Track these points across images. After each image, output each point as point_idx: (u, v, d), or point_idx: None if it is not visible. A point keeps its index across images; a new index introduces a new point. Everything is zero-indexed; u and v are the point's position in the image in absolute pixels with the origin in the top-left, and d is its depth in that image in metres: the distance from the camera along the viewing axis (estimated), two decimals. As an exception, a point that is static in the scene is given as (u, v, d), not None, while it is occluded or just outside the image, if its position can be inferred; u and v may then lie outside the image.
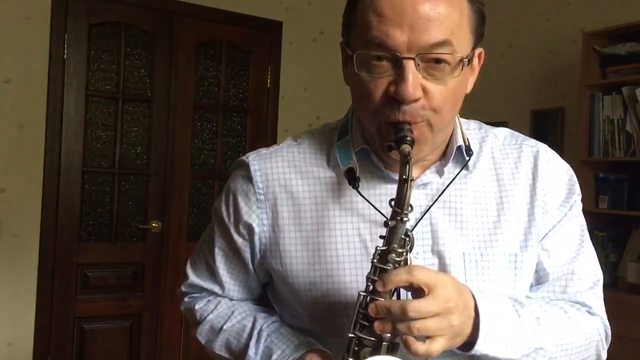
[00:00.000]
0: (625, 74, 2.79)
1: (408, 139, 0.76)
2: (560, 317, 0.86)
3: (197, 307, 0.99)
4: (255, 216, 0.90)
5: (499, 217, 0.88)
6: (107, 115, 3.16)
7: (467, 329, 0.74)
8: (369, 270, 0.74)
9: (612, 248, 2.80)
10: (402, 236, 0.74)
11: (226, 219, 0.93)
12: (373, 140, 0.85)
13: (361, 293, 0.73)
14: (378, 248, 0.74)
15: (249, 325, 0.93)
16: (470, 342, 0.75)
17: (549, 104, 3.40)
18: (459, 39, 0.77)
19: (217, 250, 0.95)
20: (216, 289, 0.99)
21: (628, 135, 2.75)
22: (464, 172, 0.89)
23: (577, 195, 0.92)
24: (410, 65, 0.75)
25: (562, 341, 0.84)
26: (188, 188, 3.35)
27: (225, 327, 0.94)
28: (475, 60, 0.84)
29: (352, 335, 0.73)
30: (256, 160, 0.92)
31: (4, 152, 2.88)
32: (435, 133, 0.82)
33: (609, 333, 0.93)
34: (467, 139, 0.90)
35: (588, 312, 0.90)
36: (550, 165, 0.91)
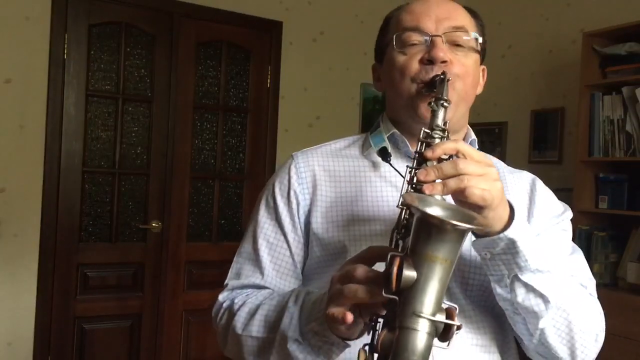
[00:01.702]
0: (625, 74, 2.79)
1: (444, 74, 0.90)
2: (567, 275, 0.90)
3: (236, 300, 0.97)
4: (299, 191, 1.00)
5: None
6: (107, 115, 3.17)
7: (507, 208, 0.78)
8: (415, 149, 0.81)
9: (612, 248, 2.80)
10: (443, 120, 0.81)
11: (271, 200, 1.02)
12: (408, 107, 0.96)
13: (408, 166, 0.79)
14: (423, 130, 0.81)
15: (288, 294, 0.91)
16: (504, 226, 0.78)
17: (549, 104, 3.40)
18: (471, 32, 0.98)
19: (260, 241, 1.01)
20: (257, 278, 0.99)
21: (628, 135, 2.75)
22: None
23: (570, 214, 1.02)
24: (439, 40, 0.95)
25: (572, 292, 0.87)
26: (188, 188, 3.35)
27: (264, 302, 0.93)
28: (480, 73, 1.04)
29: (402, 207, 0.76)
30: (299, 152, 1.06)
31: (4, 152, 2.88)
32: (460, 101, 0.96)
33: (604, 324, 0.93)
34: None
35: (589, 293, 0.94)
36: (546, 189, 1.05)
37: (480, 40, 0.99)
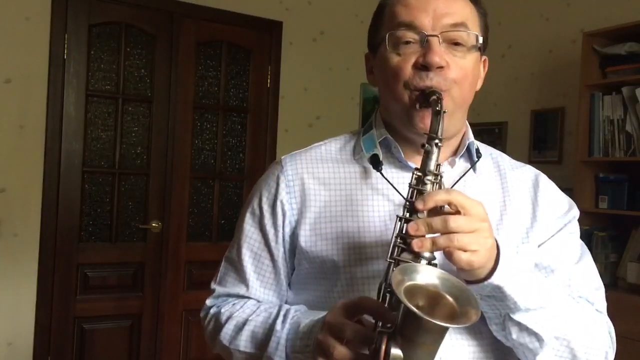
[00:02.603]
0: (625, 74, 2.79)
1: (437, 93, 0.85)
2: (566, 299, 0.88)
3: (223, 309, 0.98)
4: (285, 200, 0.96)
5: (501, 217, 0.93)
6: (107, 115, 3.16)
7: (493, 257, 0.77)
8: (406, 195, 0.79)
9: (612, 248, 2.80)
10: (436, 163, 0.79)
11: (257, 209, 0.99)
12: (402, 115, 0.91)
13: (399, 216, 0.76)
14: (415, 172, 0.78)
15: (275, 311, 0.92)
16: (489, 273, 0.78)
17: (549, 104, 3.40)
18: (472, 27, 0.91)
19: (244, 251, 0.99)
20: (242, 289, 0.99)
21: (628, 135, 2.75)
22: (472, 174, 0.95)
23: (576, 212, 0.99)
24: (434, 41, 0.87)
25: (573, 318, 0.86)
26: (188, 188, 3.35)
27: (251, 317, 0.93)
28: (481, 65, 0.97)
29: (391, 261, 0.74)
30: (288, 157, 1.01)
31: (4, 152, 2.88)
32: (456, 108, 0.90)
33: (614, 337, 0.93)
34: (477, 144, 1.00)
35: (595, 309, 0.93)
36: (550, 184, 1.01)
37: (481, 39, 0.92)
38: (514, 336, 0.83)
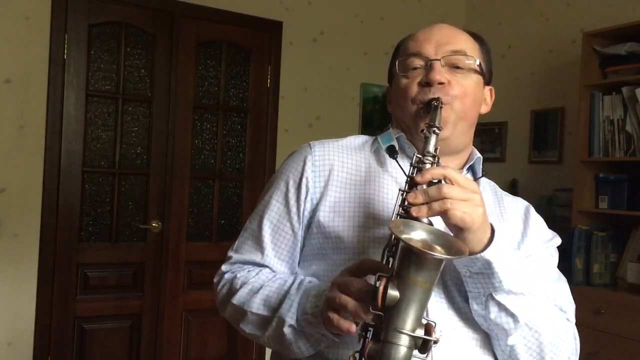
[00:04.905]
0: (625, 74, 2.80)
1: (437, 100, 0.97)
2: (544, 298, 0.97)
3: (238, 275, 1.05)
4: (311, 178, 1.05)
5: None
6: (107, 115, 3.16)
7: (486, 230, 0.85)
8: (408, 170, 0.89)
9: (612, 248, 2.80)
10: (435, 147, 0.88)
11: (282, 184, 1.07)
12: (410, 126, 1.04)
13: (401, 189, 0.86)
14: (416, 154, 0.88)
15: (290, 280, 0.99)
16: (483, 248, 0.85)
17: (549, 104, 3.41)
18: (472, 56, 1.04)
19: (265, 221, 1.06)
20: (258, 256, 1.06)
21: (628, 135, 2.75)
22: None
23: (559, 240, 1.09)
24: (437, 63, 1.02)
25: (546, 315, 0.94)
26: (188, 188, 3.35)
27: (266, 284, 1.00)
28: (487, 94, 1.12)
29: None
30: (316, 142, 1.11)
31: (4, 152, 2.88)
32: (458, 120, 1.01)
33: (579, 348, 1.01)
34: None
35: (566, 317, 1.01)
36: (538, 216, 1.12)
37: (479, 62, 1.05)
38: (492, 316, 0.90)
